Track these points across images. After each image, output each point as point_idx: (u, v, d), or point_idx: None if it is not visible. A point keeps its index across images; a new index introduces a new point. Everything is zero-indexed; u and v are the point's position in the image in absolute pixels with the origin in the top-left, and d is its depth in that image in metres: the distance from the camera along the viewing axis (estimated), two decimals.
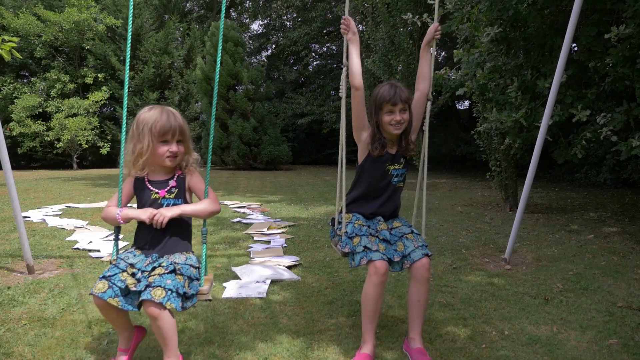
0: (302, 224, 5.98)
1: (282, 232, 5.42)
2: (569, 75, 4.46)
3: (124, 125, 2.11)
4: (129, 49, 2.05)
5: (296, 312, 2.89)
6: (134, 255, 2.03)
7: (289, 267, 3.89)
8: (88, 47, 19.67)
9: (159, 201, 2.05)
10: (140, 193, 2.08)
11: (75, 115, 19.22)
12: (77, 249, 4.53)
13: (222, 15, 2.19)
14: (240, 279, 3.54)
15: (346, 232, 2.32)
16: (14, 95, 19.21)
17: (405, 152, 2.40)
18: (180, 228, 2.09)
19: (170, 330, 1.90)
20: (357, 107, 2.31)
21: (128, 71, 2.03)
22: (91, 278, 3.55)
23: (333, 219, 2.49)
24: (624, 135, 4.35)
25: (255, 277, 3.55)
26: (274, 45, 27.88)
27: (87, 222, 6.01)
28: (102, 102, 19.79)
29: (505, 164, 6.66)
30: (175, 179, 2.09)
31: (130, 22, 2.03)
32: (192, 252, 2.14)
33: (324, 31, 24.15)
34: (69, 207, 7.44)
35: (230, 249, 4.65)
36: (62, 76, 19.50)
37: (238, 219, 6.34)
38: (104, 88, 19.84)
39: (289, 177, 14.83)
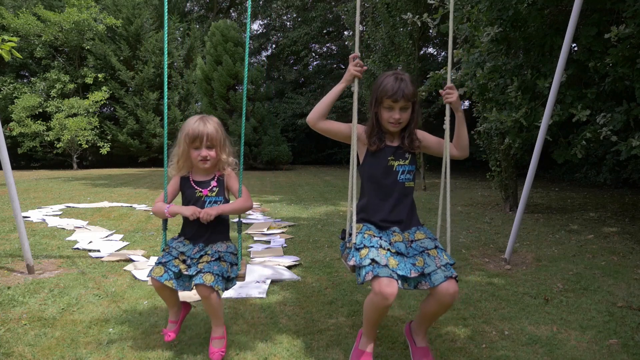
0: (302, 224, 5.98)
1: (282, 232, 5.42)
2: (569, 75, 4.45)
3: (165, 129, 2.32)
4: (166, 57, 2.06)
5: (296, 312, 2.89)
6: (183, 245, 2.34)
7: (289, 267, 3.89)
8: (88, 47, 19.67)
9: (203, 199, 2.34)
10: (186, 191, 2.37)
11: (75, 115, 19.22)
12: (77, 249, 4.52)
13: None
14: None
15: (355, 244, 2.07)
16: (14, 95, 19.21)
17: (410, 148, 2.17)
18: (220, 222, 2.38)
19: (218, 306, 2.25)
20: (329, 134, 2.18)
21: (166, 78, 2.05)
22: (91, 278, 3.55)
23: (343, 231, 2.27)
24: (624, 135, 4.36)
25: (255, 277, 3.55)
26: (274, 45, 27.89)
27: (87, 222, 6.00)
28: (102, 102, 19.79)
29: (505, 164, 6.66)
30: (215, 179, 2.38)
31: (165, 29, 2.03)
32: (230, 240, 2.44)
33: (324, 31, 24.16)
34: (69, 207, 7.44)
35: None
36: (62, 76, 19.50)
37: (238, 219, 6.33)
38: (104, 88, 19.84)
39: (289, 177, 14.83)
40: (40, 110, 19.11)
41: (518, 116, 4.62)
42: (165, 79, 2.21)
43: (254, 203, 8.04)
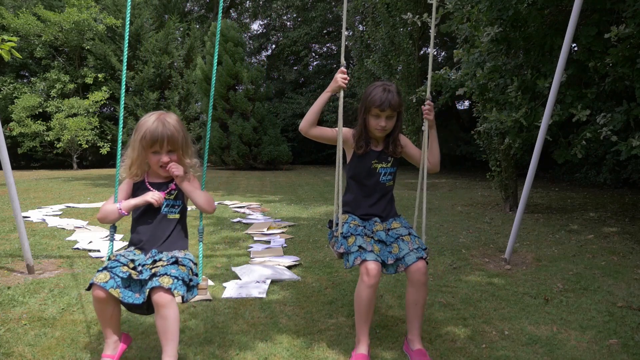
0: (302, 224, 5.98)
1: (282, 232, 5.42)
2: (569, 75, 4.45)
3: (120, 127, 2.15)
4: (127, 49, 2.07)
5: (296, 312, 2.89)
6: (134, 254, 2.04)
7: (289, 267, 3.89)
8: (88, 47, 19.65)
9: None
10: (140, 194, 2.10)
11: (75, 115, 19.21)
12: (77, 249, 4.52)
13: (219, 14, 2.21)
14: (240, 279, 3.54)
15: (342, 233, 2.30)
16: (14, 95, 19.19)
17: (393, 154, 2.40)
18: (177, 229, 2.14)
19: (175, 323, 1.86)
20: (320, 139, 2.42)
21: (125, 73, 2.05)
22: (91, 278, 3.55)
23: (331, 221, 2.48)
24: (624, 135, 4.36)
25: (255, 277, 3.55)
26: (274, 45, 27.88)
27: (87, 222, 6.00)
28: (102, 102, 19.78)
29: (505, 164, 6.66)
30: (174, 182, 2.13)
31: (127, 24, 2.04)
32: (188, 250, 2.19)
33: (324, 31, 24.14)
34: (69, 207, 7.44)
35: (230, 249, 4.65)
36: (62, 76, 19.49)
37: (238, 219, 6.34)
38: (104, 88, 19.83)
39: (289, 177, 14.82)
40: (40, 110, 19.09)
41: (518, 116, 4.62)
42: (125, 67, 2.16)
43: (254, 203, 8.13)
